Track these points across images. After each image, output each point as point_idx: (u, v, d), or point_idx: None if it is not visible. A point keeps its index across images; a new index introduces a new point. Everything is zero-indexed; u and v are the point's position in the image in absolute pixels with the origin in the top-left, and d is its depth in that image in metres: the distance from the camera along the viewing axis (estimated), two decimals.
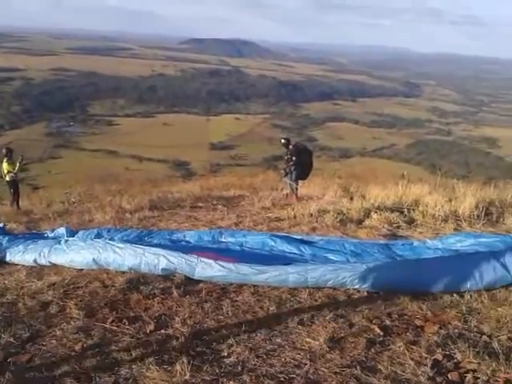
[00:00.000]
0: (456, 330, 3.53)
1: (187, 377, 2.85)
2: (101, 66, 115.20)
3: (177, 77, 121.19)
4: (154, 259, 4.66)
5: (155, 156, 70.35)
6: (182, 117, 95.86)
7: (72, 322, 3.57)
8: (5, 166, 11.61)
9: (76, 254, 4.98)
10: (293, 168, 9.99)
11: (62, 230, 6.20)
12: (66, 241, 5.32)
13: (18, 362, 3.04)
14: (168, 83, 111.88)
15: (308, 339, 3.40)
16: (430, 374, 2.88)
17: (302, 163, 10.04)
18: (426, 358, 3.08)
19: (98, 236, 6.00)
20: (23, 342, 3.31)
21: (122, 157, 70.25)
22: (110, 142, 75.90)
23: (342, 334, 3.47)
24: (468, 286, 4.25)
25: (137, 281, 4.44)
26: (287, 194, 10.06)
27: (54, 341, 3.33)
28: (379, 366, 3.02)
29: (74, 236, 5.93)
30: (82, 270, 4.82)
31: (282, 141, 10.47)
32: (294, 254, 5.54)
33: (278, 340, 3.40)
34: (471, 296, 4.17)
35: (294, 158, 9.97)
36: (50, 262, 5.02)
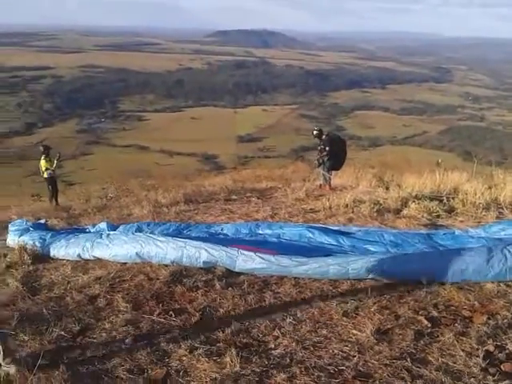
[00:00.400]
0: (505, 321, 3.44)
1: (237, 368, 2.88)
2: (129, 62, 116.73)
3: (203, 70, 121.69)
4: (195, 252, 4.72)
5: (184, 150, 71.00)
6: (210, 110, 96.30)
7: (120, 315, 3.66)
8: (43, 163, 11.92)
9: (119, 248, 5.09)
10: (326, 158, 9.90)
11: (103, 225, 6.34)
12: (108, 235, 5.44)
13: (70, 355, 3.13)
14: (195, 77, 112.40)
15: (354, 331, 3.38)
16: (483, 365, 2.82)
17: (335, 153, 9.94)
18: (477, 349, 3.02)
19: (139, 230, 6.11)
20: (74, 336, 3.41)
21: (152, 152, 71.22)
22: (141, 137, 76.97)
23: (389, 326, 3.44)
24: None
25: (180, 273, 4.51)
26: (320, 185, 9.99)
27: (103, 334, 3.41)
28: (430, 358, 2.98)
29: (114, 230, 6.05)
30: (125, 263, 4.91)
31: (315, 132, 10.37)
32: (333, 245, 5.50)
33: (324, 332, 3.40)
34: None
35: (327, 149, 9.88)
36: (93, 256, 5.15)
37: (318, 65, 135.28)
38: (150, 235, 5.11)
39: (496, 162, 10.63)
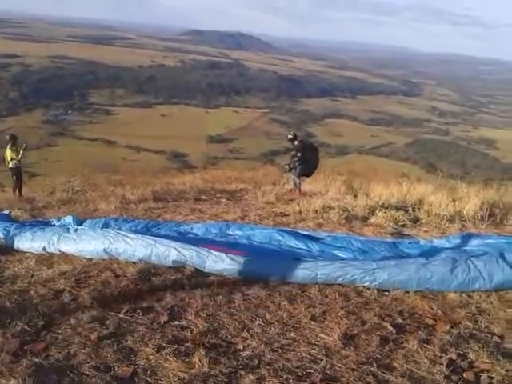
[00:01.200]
0: (467, 330, 3.55)
1: (205, 369, 2.85)
2: (100, 55, 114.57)
3: (176, 68, 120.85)
4: (164, 251, 4.66)
5: (152, 147, 70.24)
6: (181, 108, 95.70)
7: (86, 311, 3.57)
8: (8, 152, 11.55)
9: (86, 243, 4.97)
10: (297, 164, 9.99)
11: (68, 219, 6.19)
12: (76, 229, 5.31)
13: (34, 349, 3.03)
14: (167, 74, 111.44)
15: (322, 335, 3.42)
16: (446, 373, 2.90)
17: (306, 160, 10.04)
18: (440, 357, 3.10)
19: (106, 226, 5.99)
20: (38, 330, 3.30)
21: (119, 147, 70.16)
22: (108, 131, 75.67)
23: (355, 331, 3.49)
24: (477, 286, 4.29)
25: (148, 272, 4.44)
26: (291, 189, 10.07)
27: (69, 329, 3.32)
28: (394, 364, 3.04)
29: (80, 225, 5.92)
30: (91, 259, 4.81)
31: (289, 136, 10.45)
32: (302, 249, 5.54)
33: (292, 335, 3.41)
34: (480, 296, 4.21)
35: (298, 154, 9.97)
36: (59, 250, 5.01)
37: (291, 71, 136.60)
38: (120, 231, 5.02)
39: (459, 176, 10.98)
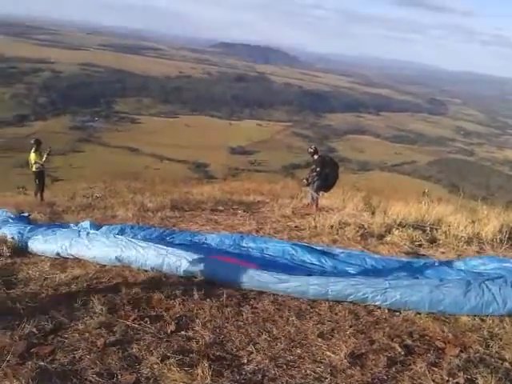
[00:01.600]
0: (477, 355, 3.47)
1: (208, 381, 2.85)
2: (129, 64, 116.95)
3: (203, 79, 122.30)
4: (176, 261, 4.68)
5: (175, 156, 71.00)
6: (205, 119, 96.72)
7: (95, 317, 3.60)
8: (32, 156, 11.83)
9: (98, 250, 5.02)
10: (316, 178, 9.95)
11: (86, 224, 6.28)
12: (88, 234, 5.36)
13: (40, 353, 3.07)
14: (194, 85, 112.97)
15: (328, 353, 3.38)
16: None
17: (325, 175, 9.99)
18: (447, 381, 3.04)
19: (122, 232, 6.06)
20: (46, 334, 3.34)
21: (142, 155, 71.08)
22: (133, 139, 76.82)
23: (363, 351, 3.44)
24: (490, 310, 4.19)
25: (159, 280, 4.47)
26: (308, 204, 10.04)
27: (76, 334, 3.36)
28: None
29: (97, 230, 5.99)
30: (104, 265, 4.86)
31: (310, 150, 10.42)
32: (315, 264, 5.51)
33: (298, 351, 3.38)
34: (493, 321, 4.11)
35: (317, 169, 9.93)
36: (71, 255, 5.08)
37: (315, 85, 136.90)
38: (132, 239, 5.04)
39: (481, 198, 10.78)
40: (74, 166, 57.09)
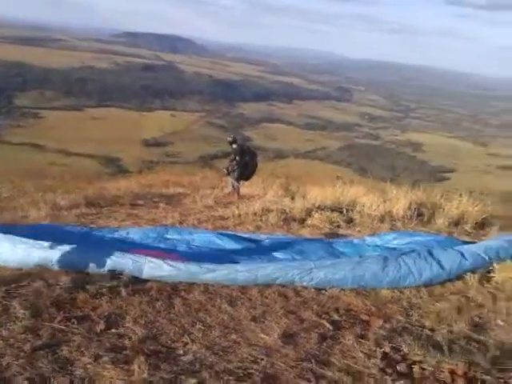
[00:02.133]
0: (399, 324, 3.75)
1: (145, 375, 2.80)
2: (29, 57, 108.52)
3: (109, 70, 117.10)
4: (97, 260, 4.48)
5: (84, 151, 67.55)
6: (114, 111, 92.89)
7: (18, 322, 3.38)
8: None
9: (10, 253, 4.68)
10: (236, 167, 10.03)
11: None
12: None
13: None
14: (99, 76, 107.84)
15: (262, 335, 3.46)
16: (381, 366, 3.04)
17: (245, 163, 10.10)
18: (375, 351, 3.25)
19: (37, 233, 5.67)
20: None
21: (48, 151, 66.87)
22: (36, 135, 71.88)
23: (295, 330, 3.57)
24: (407, 282, 4.53)
25: (82, 280, 4.28)
26: (229, 193, 10.10)
27: (0, 341, 3.13)
28: (332, 359, 3.14)
29: (8, 233, 5.56)
30: (21, 268, 4.54)
31: (228, 139, 10.46)
32: (241, 251, 5.59)
33: (233, 337, 3.43)
34: (410, 292, 4.45)
35: (237, 158, 10.01)
36: None
37: (226, 74, 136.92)
38: (47, 243, 4.69)
39: (387, 178, 11.51)
40: None
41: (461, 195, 8.52)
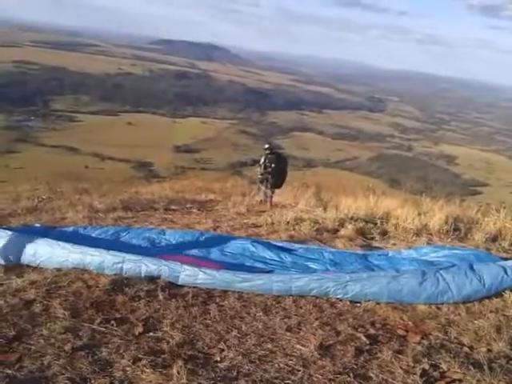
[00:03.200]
0: (438, 341, 3.66)
1: (184, 380, 2.83)
2: (66, 61, 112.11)
3: (144, 76, 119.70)
4: (135, 268, 4.56)
5: (117, 155, 69.05)
6: (148, 117, 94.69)
7: (58, 322, 3.47)
8: None
9: (52, 255, 4.80)
10: (270, 175, 10.02)
11: (36, 228, 5.99)
12: (41, 238, 5.11)
13: (6, 361, 2.93)
14: (135, 82, 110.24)
15: (298, 346, 3.45)
16: (420, 383, 2.98)
17: (279, 171, 10.10)
18: (413, 367, 3.18)
19: (75, 234, 5.83)
20: (9, 341, 3.18)
21: (82, 154, 68.61)
22: (71, 138, 73.87)
23: (331, 342, 3.54)
24: (445, 298, 4.43)
25: (121, 282, 4.36)
26: (261, 201, 10.11)
27: (41, 340, 3.22)
28: (370, 374, 3.10)
29: (48, 234, 5.73)
30: (60, 269, 4.67)
31: (266, 146, 10.43)
32: (275, 260, 5.58)
33: (269, 346, 3.43)
34: (448, 308, 4.35)
35: (272, 166, 10.00)
36: (26, 260, 4.83)
37: (258, 83, 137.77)
38: (85, 249, 4.78)
39: (420, 191, 11.31)
40: (11, 167, 54.02)
41: (497, 210, 8.29)
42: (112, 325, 3.55)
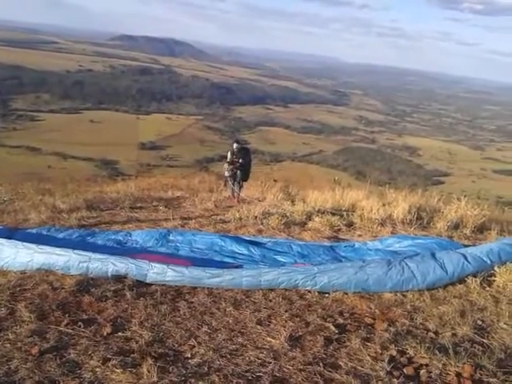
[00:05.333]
0: (404, 327, 3.77)
1: (155, 378, 2.81)
2: (24, 60, 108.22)
3: (106, 73, 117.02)
4: (101, 267, 4.49)
5: (81, 154, 67.34)
6: (111, 114, 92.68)
7: (24, 325, 3.39)
8: None
9: (14, 257, 4.67)
10: (237, 170, 9.97)
11: None
12: (4, 239, 4.96)
13: None
14: (96, 79, 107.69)
15: (268, 338, 3.48)
16: (388, 369, 3.05)
17: (245, 165, 10.08)
18: (381, 354, 3.26)
19: (39, 236, 5.68)
20: None
21: (44, 154, 66.60)
22: (33, 138, 71.57)
23: (300, 333, 3.59)
24: (410, 286, 4.55)
25: (87, 283, 4.29)
26: (228, 196, 10.09)
27: (8, 344, 3.14)
28: (339, 362, 3.16)
29: (11, 236, 5.56)
30: (25, 271, 4.54)
31: (235, 145, 10.24)
32: (244, 254, 5.60)
33: (240, 340, 3.45)
34: (413, 295, 4.47)
35: (240, 161, 9.95)
36: None
37: (223, 78, 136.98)
38: (50, 249, 4.67)
39: (383, 182, 11.54)
40: None
41: (459, 199, 8.55)
42: (79, 326, 3.48)
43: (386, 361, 3.14)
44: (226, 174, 10.07)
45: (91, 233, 6.19)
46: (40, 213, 7.72)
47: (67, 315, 3.64)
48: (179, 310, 3.91)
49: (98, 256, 4.59)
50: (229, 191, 10.29)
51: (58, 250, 4.63)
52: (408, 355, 3.26)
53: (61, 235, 5.87)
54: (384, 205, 8.57)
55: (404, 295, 4.48)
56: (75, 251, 4.61)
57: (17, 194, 9.87)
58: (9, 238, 5.14)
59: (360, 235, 7.21)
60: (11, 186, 10.90)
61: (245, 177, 10.17)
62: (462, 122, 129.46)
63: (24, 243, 4.81)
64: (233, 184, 10.04)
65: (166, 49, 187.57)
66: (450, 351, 3.24)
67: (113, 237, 6.01)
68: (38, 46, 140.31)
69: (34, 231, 5.94)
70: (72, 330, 3.41)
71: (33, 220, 7.28)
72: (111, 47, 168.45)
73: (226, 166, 10.21)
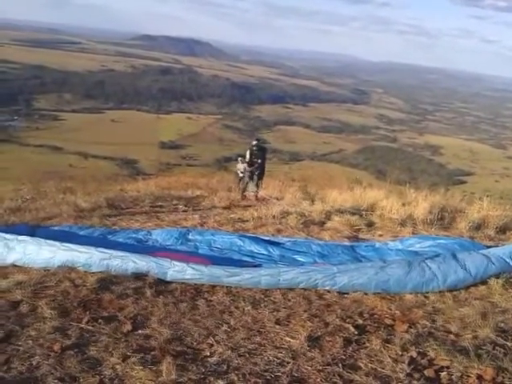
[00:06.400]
0: (425, 329, 3.71)
1: (174, 376, 2.82)
2: (47, 60, 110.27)
3: (127, 73, 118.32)
4: (122, 265, 4.53)
5: (101, 153, 68.22)
6: (132, 114, 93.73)
7: (46, 322, 3.44)
8: None
9: (36, 255, 4.75)
10: (256, 170, 9.98)
11: (21, 227, 5.91)
12: (27, 237, 5.05)
13: None
14: (118, 79, 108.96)
15: (287, 338, 3.46)
16: (408, 371, 3.01)
17: (262, 164, 10.08)
18: (401, 356, 3.22)
19: (61, 234, 5.77)
20: None
21: (66, 153, 67.69)
22: (55, 137, 72.89)
23: (319, 333, 3.56)
24: (431, 287, 4.48)
25: (108, 280, 4.34)
26: (245, 196, 10.10)
27: (30, 341, 3.19)
28: (359, 363, 3.13)
29: (33, 234, 5.67)
30: (47, 269, 4.62)
31: (254, 142, 10.31)
32: (263, 254, 5.60)
33: (258, 339, 3.44)
34: (434, 297, 4.40)
35: (259, 161, 9.95)
36: (12, 260, 4.77)
37: (243, 77, 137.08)
38: (73, 246, 4.74)
39: (404, 182, 11.40)
40: None
41: (481, 199, 8.40)
42: (100, 323, 3.53)
43: (407, 362, 3.10)
44: (241, 174, 10.05)
45: (112, 231, 6.28)
46: (62, 211, 7.85)
47: (88, 312, 3.69)
48: (198, 309, 3.93)
49: (120, 254, 4.65)
50: (249, 190, 10.28)
51: (80, 248, 4.70)
52: (429, 357, 3.21)
53: (82, 233, 5.97)
54: (404, 204, 8.47)
55: (425, 296, 4.42)
56: (97, 249, 4.68)
57: (39, 192, 10.05)
58: (31, 235, 5.25)
59: (381, 235, 7.14)
60: (33, 185, 11.09)
61: (262, 176, 10.16)
62: (484, 120, 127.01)
63: (47, 240, 4.90)
64: (248, 183, 10.00)
65: (186, 48, 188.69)
66: (472, 353, 3.18)
67: (133, 235, 6.08)
68: (60, 46, 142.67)
69: (55, 229, 6.04)
70: (93, 327, 3.46)
71: (54, 218, 7.40)
72: (132, 47, 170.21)
73: (243, 165, 10.21)
